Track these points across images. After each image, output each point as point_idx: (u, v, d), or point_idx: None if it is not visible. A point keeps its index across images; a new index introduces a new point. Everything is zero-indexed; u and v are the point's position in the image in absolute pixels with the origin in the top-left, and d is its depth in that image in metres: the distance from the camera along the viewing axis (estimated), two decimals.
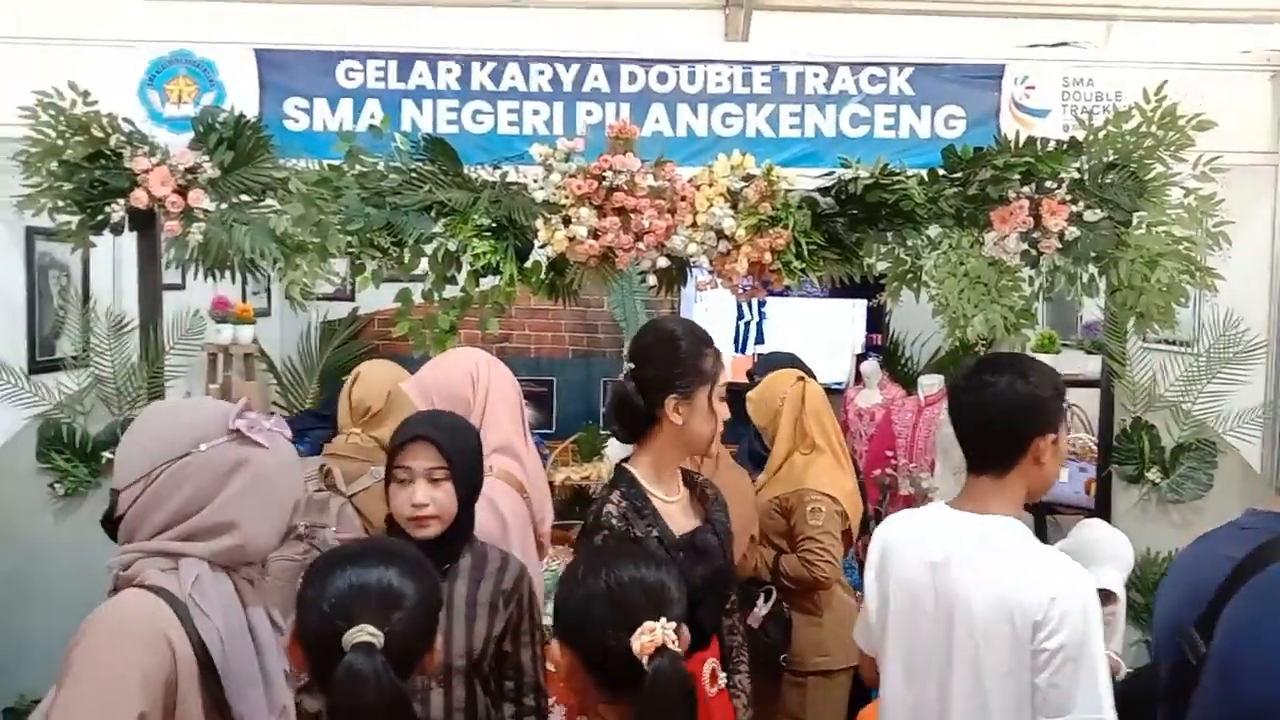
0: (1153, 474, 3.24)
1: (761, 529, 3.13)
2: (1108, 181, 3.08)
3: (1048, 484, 2.00)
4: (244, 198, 3.07)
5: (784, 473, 3.18)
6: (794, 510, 3.06)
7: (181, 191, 3.01)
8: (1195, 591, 1.41)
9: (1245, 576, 1.30)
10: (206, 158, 3.03)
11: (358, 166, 3.09)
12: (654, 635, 1.37)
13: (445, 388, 2.44)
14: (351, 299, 5.96)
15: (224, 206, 3.06)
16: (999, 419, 1.94)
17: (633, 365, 2.24)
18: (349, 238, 3.02)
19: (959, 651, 1.88)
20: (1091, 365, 4.00)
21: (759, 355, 5.57)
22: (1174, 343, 3.42)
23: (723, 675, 2.30)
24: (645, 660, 1.37)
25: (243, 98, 3.21)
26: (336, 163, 3.10)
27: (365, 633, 1.36)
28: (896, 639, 2.03)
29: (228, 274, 3.11)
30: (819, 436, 3.18)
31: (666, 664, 1.37)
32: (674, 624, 1.40)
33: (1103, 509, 3.33)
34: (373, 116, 3.22)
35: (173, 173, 3.00)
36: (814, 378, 3.45)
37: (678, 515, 2.26)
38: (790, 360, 3.84)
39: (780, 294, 3.71)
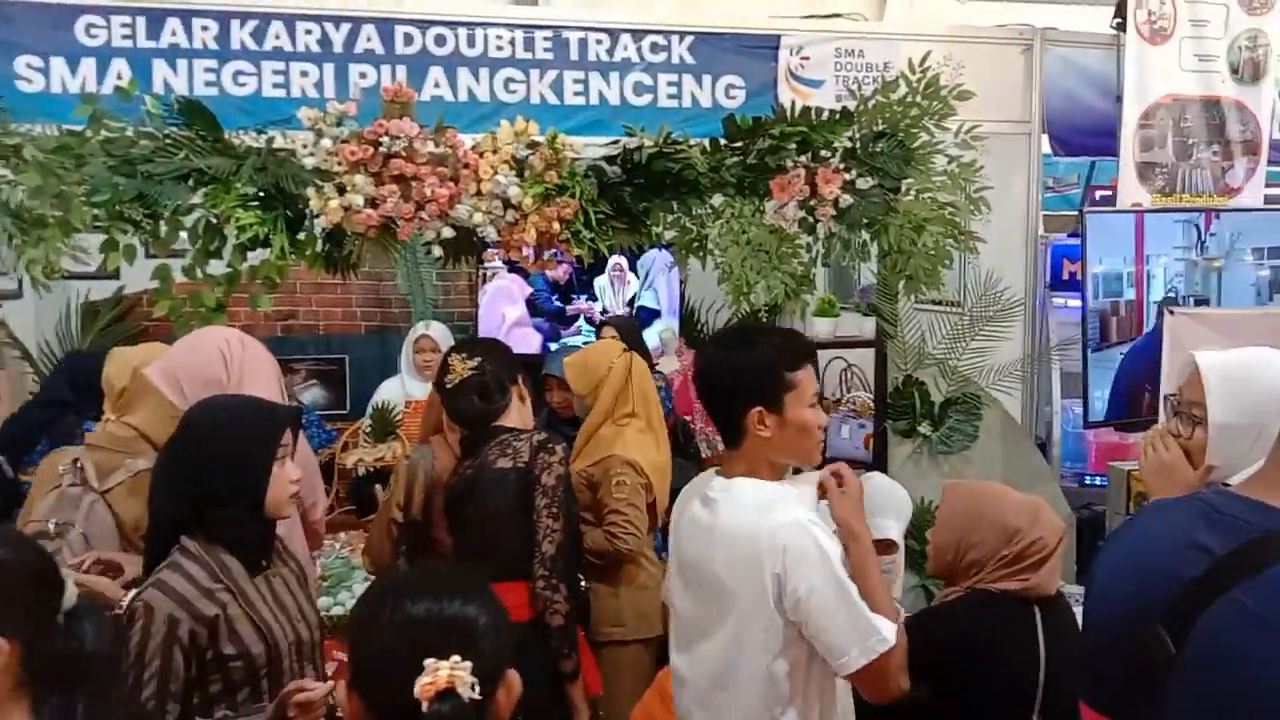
0: (924, 428, 3.43)
1: None
2: (878, 150, 3.21)
3: (791, 452, 1.95)
4: None
5: (592, 445, 3.16)
6: (600, 484, 3.05)
7: None
8: (1157, 581, 1.24)
9: (1227, 578, 1.15)
10: None
11: (103, 132, 2.82)
12: (436, 677, 1.17)
13: (194, 370, 2.26)
14: (116, 277, 5.51)
15: None
16: (709, 393, 1.99)
17: (480, 358, 2.64)
18: (95, 210, 2.76)
19: (711, 613, 1.92)
20: (868, 327, 4.18)
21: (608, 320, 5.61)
22: (941, 303, 3.62)
23: None
24: (425, 704, 1.17)
25: None
26: (79, 128, 2.82)
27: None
28: (674, 603, 2.07)
29: None
30: (639, 409, 3.17)
31: (447, 713, 1.17)
32: (470, 664, 1.19)
33: (880, 462, 3.50)
34: (119, 77, 2.96)
35: None
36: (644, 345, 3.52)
37: None
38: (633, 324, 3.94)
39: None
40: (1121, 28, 3.88)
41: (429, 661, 1.18)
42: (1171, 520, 1.34)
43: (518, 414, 2.69)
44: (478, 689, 1.19)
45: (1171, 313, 3.30)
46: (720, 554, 1.90)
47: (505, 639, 1.28)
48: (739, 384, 1.93)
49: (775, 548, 1.81)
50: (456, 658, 1.19)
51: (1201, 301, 3.86)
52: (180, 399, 2.24)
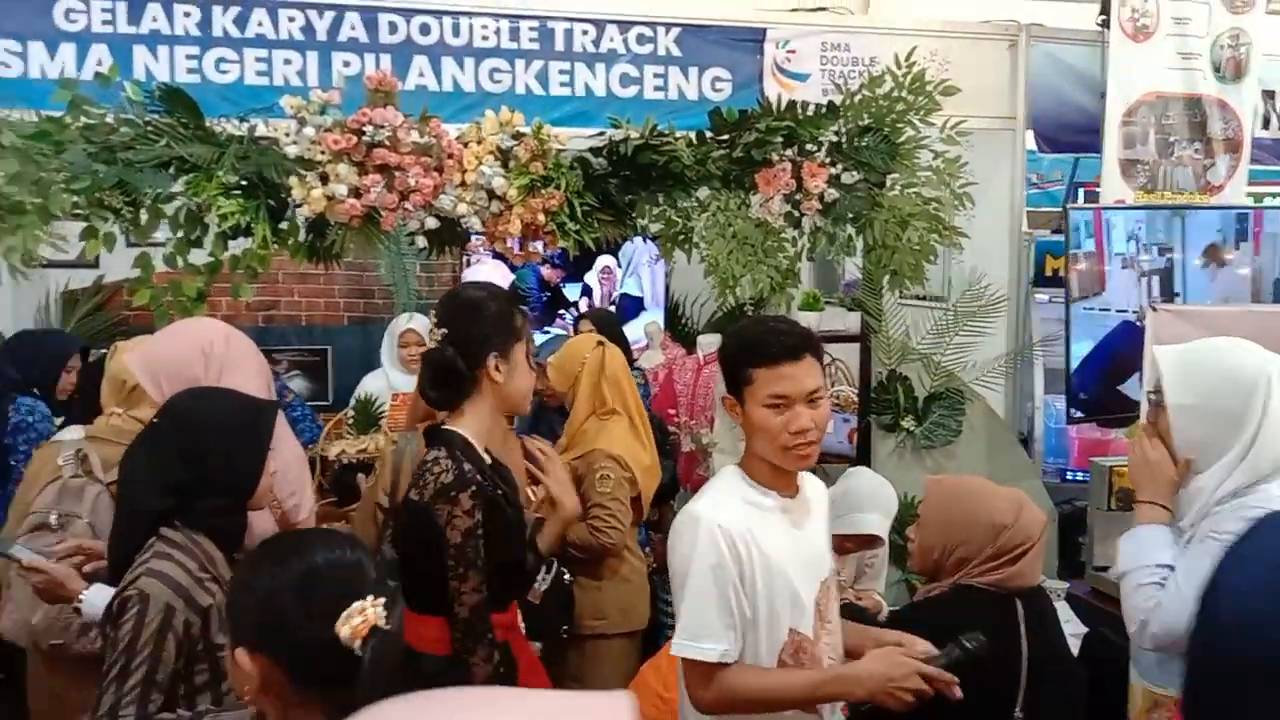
0: (907, 422, 3.44)
1: None
2: (863, 145, 3.20)
3: (758, 449, 1.92)
4: None
5: (578, 438, 3.16)
6: (584, 477, 3.04)
7: None
8: None
9: None
10: None
11: (83, 119, 2.79)
12: (366, 616, 1.24)
13: (173, 365, 2.21)
14: (95, 266, 5.46)
15: None
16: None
17: (445, 330, 2.19)
18: (75, 197, 2.73)
19: None
20: (852, 321, 4.19)
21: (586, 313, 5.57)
22: (925, 298, 3.63)
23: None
24: (358, 645, 1.23)
25: None
26: (58, 114, 2.79)
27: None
28: None
29: None
30: (616, 402, 3.17)
31: (381, 645, 1.24)
32: (382, 599, 1.27)
33: (864, 457, 3.50)
34: (99, 63, 2.93)
35: None
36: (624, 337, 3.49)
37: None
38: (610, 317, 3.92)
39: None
40: (1106, 24, 3.89)
41: (356, 604, 1.24)
42: None
43: (489, 396, 2.20)
44: (387, 621, 1.27)
45: (1155, 309, 3.31)
46: None
47: (383, 572, 1.35)
48: (726, 373, 1.98)
49: (672, 529, 1.95)
50: (370, 597, 1.26)
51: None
52: (158, 393, 2.21)
